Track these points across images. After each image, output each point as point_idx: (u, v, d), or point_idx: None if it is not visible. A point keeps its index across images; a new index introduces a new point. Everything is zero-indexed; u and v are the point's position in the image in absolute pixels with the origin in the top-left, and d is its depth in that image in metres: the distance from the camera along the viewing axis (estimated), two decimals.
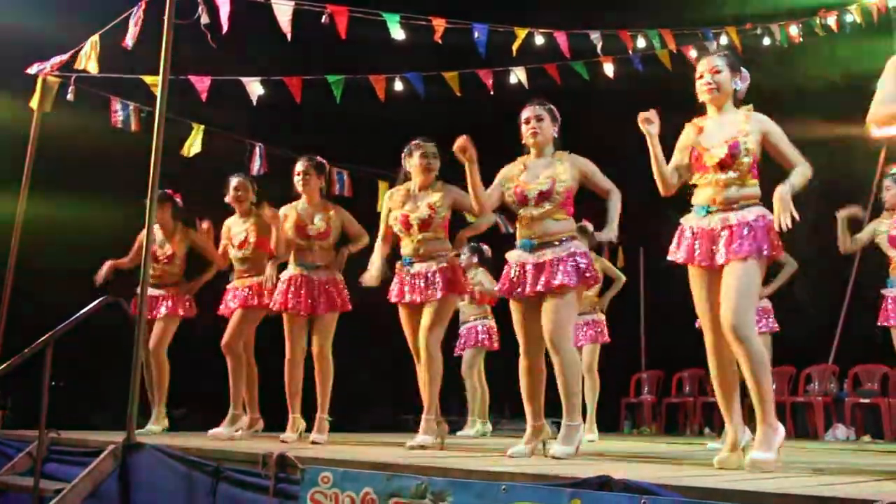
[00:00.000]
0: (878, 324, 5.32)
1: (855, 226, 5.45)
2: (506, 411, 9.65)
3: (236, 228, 5.54)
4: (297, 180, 5.12)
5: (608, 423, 9.61)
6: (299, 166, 5.14)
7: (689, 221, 3.51)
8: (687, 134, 3.61)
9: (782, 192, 3.28)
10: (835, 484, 2.71)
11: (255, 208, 5.52)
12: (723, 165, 3.38)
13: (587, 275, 3.90)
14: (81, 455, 4.43)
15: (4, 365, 4.47)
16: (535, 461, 3.61)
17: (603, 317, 6.67)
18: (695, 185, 3.54)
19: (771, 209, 3.33)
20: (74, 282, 5.97)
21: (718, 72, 3.48)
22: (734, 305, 3.25)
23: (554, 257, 3.88)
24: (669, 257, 3.54)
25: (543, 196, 3.94)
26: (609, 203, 4.02)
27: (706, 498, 2.33)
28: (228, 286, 5.53)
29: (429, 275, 4.55)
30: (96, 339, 6.04)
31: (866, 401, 8.23)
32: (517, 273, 3.97)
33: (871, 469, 3.57)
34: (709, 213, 3.42)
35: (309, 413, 5.08)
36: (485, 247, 7.18)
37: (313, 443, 4.79)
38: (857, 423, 8.31)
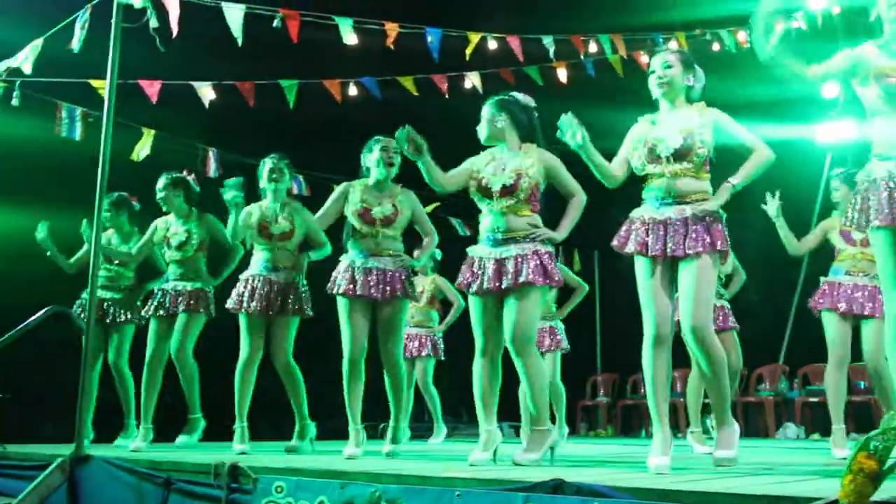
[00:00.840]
0: (810, 306, 5.27)
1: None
2: (463, 416, 9.68)
3: (175, 229, 5.44)
4: (268, 177, 4.98)
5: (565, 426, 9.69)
6: (271, 163, 5.00)
7: (639, 213, 3.50)
8: (639, 127, 3.61)
9: (724, 189, 3.40)
10: (785, 482, 2.75)
11: (193, 208, 5.44)
12: (678, 156, 3.41)
13: (554, 276, 3.79)
14: (28, 469, 4.32)
15: None
16: (489, 466, 3.61)
17: (562, 325, 6.64)
18: (644, 179, 3.55)
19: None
20: (20, 290, 5.83)
21: (670, 67, 3.52)
22: (693, 305, 3.28)
23: (518, 254, 3.79)
24: (616, 246, 3.50)
25: (507, 190, 3.86)
26: (569, 205, 3.96)
27: (659, 499, 2.35)
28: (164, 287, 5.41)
29: (387, 275, 4.49)
30: (47, 349, 5.91)
31: (815, 400, 8.40)
32: (479, 267, 3.87)
33: (819, 467, 3.63)
34: (663, 204, 3.43)
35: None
36: (438, 252, 7.15)
37: (287, 451, 4.78)
38: (806, 421, 8.48)
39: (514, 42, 6.74)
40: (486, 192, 3.91)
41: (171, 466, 3.70)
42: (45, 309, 4.43)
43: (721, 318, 5.56)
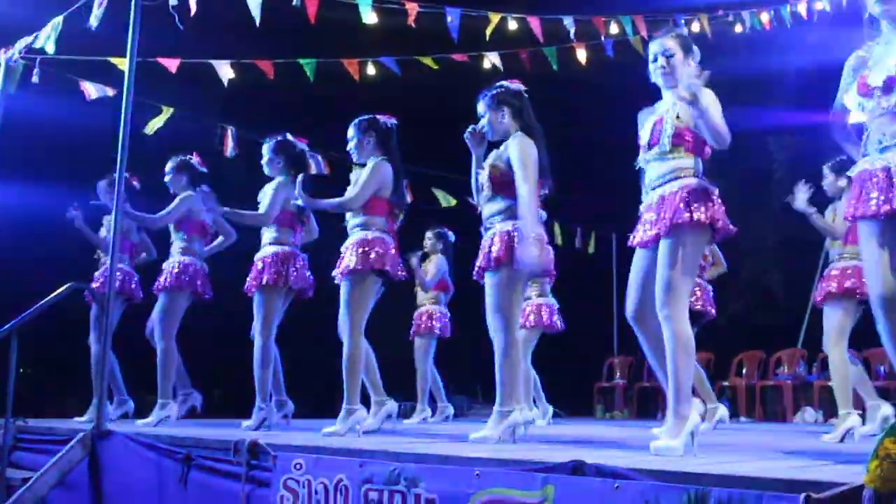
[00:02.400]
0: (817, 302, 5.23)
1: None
2: (479, 395, 9.70)
3: None
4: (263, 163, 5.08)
5: (581, 407, 9.70)
6: (263, 150, 5.09)
7: (642, 205, 3.48)
8: (641, 118, 3.56)
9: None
10: (805, 466, 2.74)
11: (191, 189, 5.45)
12: (650, 145, 3.36)
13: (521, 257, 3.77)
14: (50, 443, 4.38)
15: None
16: (509, 446, 3.61)
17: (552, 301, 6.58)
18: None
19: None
20: (41, 267, 5.87)
21: (671, 55, 3.41)
22: (663, 283, 3.20)
23: (490, 236, 3.91)
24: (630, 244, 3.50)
25: (488, 183, 3.98)
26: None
27: (680, 482, 2.34)
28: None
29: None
30: (67, 325, 5.96)
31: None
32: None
33: (838, 451, 3.61)
34: (646, 194, 3.41)
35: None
36: (450, 233, 7.15)
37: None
38: (824, 405, 8.43)
39: (535, 22, 6.68)
40: (480, 189, 4.05)
41: (191, 442, 3.73)
42: (66, 285, 4.46)
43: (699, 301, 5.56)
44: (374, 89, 6.75)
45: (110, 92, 6.04)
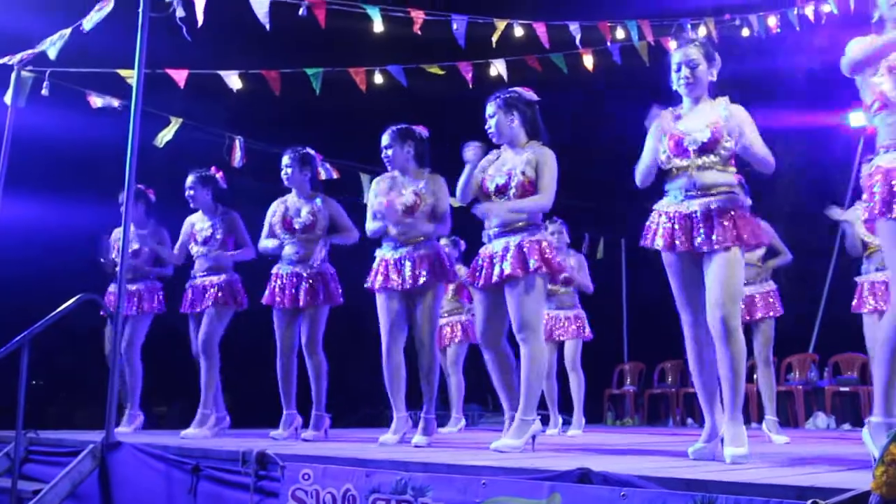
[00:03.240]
0: (853, 311, 5.32)
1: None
2: (489, 404, 9.68)
3: (200, 225, 5.50)
4: (282, 174, 5.09)
5: (591, 414, 9.67)
6: (283, 159, 5.10)
7: (663, 207, 3.47)
8: (663, 121, 3.54)
9: None
10: (815, 473, 2.72)
11: (219, 204, 5.50)
12: (704, 149, 3.37)
13: (541, 263, 3.81)
14: (60, 455, 4.39)
15: None
16: (515, 455, 3.60)
17: (582, 312, 6.66)
18: (667, 173, 3.49)
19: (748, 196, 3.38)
20: (51, 279, 5.90)
21: (697, 66, 3.45)
22: (720, 296, 3.23)
23: (504, 246, 3.89)
24: (644, 244, 3.48)
25: (500, 190, 3.97)
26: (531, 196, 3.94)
27: (686, 489, 2.33)
28: (191, 283, 5.46)
29: (415, 258, 4.47)
30: (77, 338, 5.99)
31: (846, 389, 8.30)
32: (481, 263, 3.99)
33: (849, 457, 3.59)
34: (687, 197, 3.39)
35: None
36: (461, 241, 7.16)
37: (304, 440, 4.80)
38: (836, 411, 8.38)
39: (541, 29, 6.69)
40: (486, 193, 4.02)
41: (200, 453, 3.74)
42: (77, 297, 4.48)
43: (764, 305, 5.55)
44: (381, 97, 6.77)
45: (115, 103, 6.08)
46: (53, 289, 5.15)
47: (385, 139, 4.62)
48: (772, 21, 8.21)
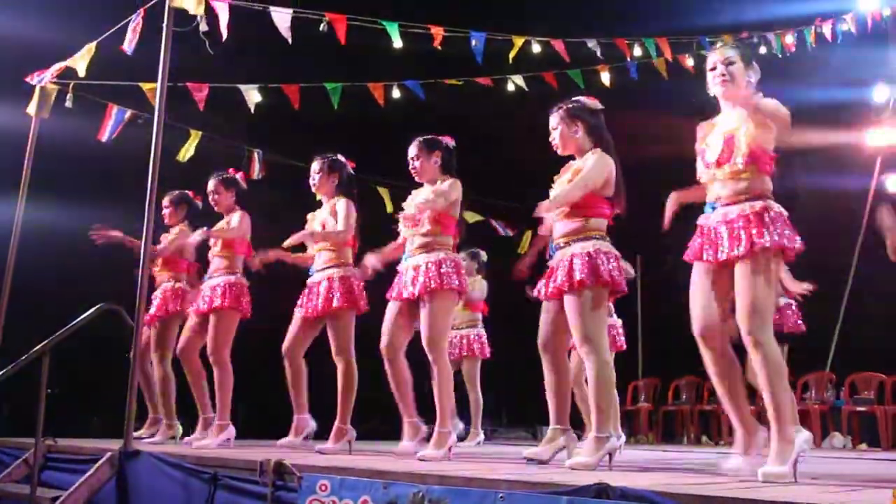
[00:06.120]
0: None
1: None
2: (503, 418, 9.66)
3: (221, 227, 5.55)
4: (311, 181, 5.09)
5: None
6: (312, 166, 5.10)
7: (701, 220, 3.42)
8: (701, 131, 3.49)
9: None
10: (834, 492, 2.71)
11: (238, 207, 5.54)
12: (720, 162, 3.30)
13: (603, 274, 3.68)
14: (78, 462, 4.43)
15: (1, 372, 4.46)
16: (531, 469, 3.61)
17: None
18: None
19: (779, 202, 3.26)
20: (73, 288, 5.96)
21: (732, 63, 3.35)
22: (747, 308, 3.14)
23: (563, 257, 3.79)
24: (686, 258, 3.43)
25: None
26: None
27: None
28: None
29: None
30: (97, 345, 6.03)
31: (863, 409, 8.24)
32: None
33: (867, 477, 3.57)
34: (712, 208, 3.35)
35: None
36: (482, 252, 7.15)
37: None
38: (853, 431, 8.32)
39: (559, 45, 6.73)
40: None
41: (217, 463, 3.76)
42: (97, 306, 4.52)
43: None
44: (400, 112, 6.82)
45: (128, 115, 6.16)
46: (75, 296, 5.21)
47: (412, 150, 4.53)
48: (789, 39, 8.23)
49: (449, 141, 4.58)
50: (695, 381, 9.30)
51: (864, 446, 7.92)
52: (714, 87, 3.41)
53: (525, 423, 9.61)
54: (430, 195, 4.38)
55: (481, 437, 7.06)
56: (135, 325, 4.51)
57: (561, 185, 3.90)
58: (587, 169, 3.79)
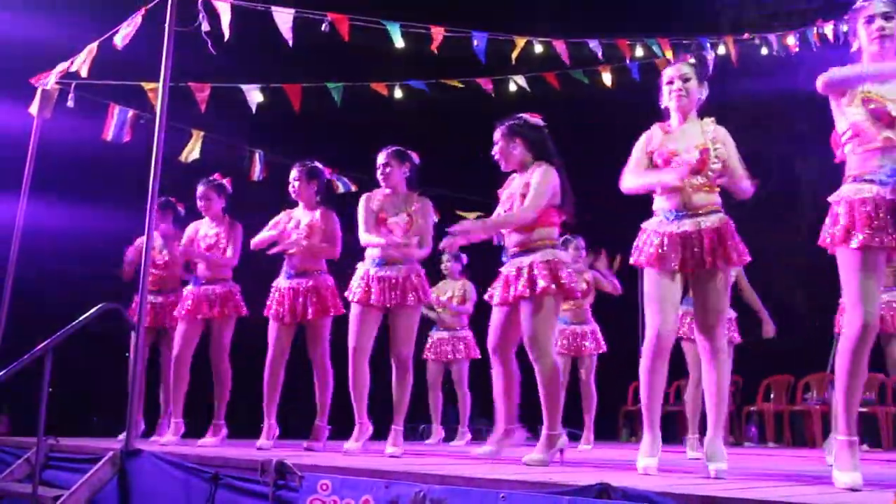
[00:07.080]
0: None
1: None
2: (492, 420, 9.67)
3: (205, 231, 5.59)
4: (290, 187, 5.19)
5: (605, 431, 9.63)
6: (291, 173, 5.20)
7: (652, 226, 3.54)
8: (652, 137, 3.61)
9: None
10: (834, 493, 2.72)
11: (227, 214, 5.62)
12: (694, 171, 3.42)
13: (564, 283, 3.89)
14: (80, 462, 4.43)
15: (2, 372, 4.46)
16: (534, 469, 3.61)
17: (596, 326, 6.76)
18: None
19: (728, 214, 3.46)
20: (74, 288, 5.96)
21: (688, 79, 3.55)
22: (711, 317, 3.39)
23: (521, 265, 3.94)
24: (634, 263, 3.57)
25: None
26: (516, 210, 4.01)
27: None
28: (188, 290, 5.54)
29: (399, 279, 4.59)
30: (97, 345, 6.04)
31: (864, 409, 8.23)
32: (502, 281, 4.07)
33: (868, 478, 3.57)
34: (677, 217, 3.46)
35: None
36: (463, 256, 7.20)
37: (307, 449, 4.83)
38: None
39: (560, 46, 6.72)
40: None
41: (219, 462, 3.76)
42: (98, 307, 4.52)
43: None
44: (401, 113, 6.82)
45: (130, 115, 6.16)
46: (77, 296, 5.22)
47: (382, 157, 4.74)
48: (790, 40, 8.22)
49: (415, 156, 4.77)
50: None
51: (864, 447, 7.92)
52: (670, 100, 3.59)
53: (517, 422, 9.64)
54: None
55: (468, 436, 7.12)
56: (135, 325, 4.53)
57: (508, 199, 4.07)
58: (533, 188, 3.95)
